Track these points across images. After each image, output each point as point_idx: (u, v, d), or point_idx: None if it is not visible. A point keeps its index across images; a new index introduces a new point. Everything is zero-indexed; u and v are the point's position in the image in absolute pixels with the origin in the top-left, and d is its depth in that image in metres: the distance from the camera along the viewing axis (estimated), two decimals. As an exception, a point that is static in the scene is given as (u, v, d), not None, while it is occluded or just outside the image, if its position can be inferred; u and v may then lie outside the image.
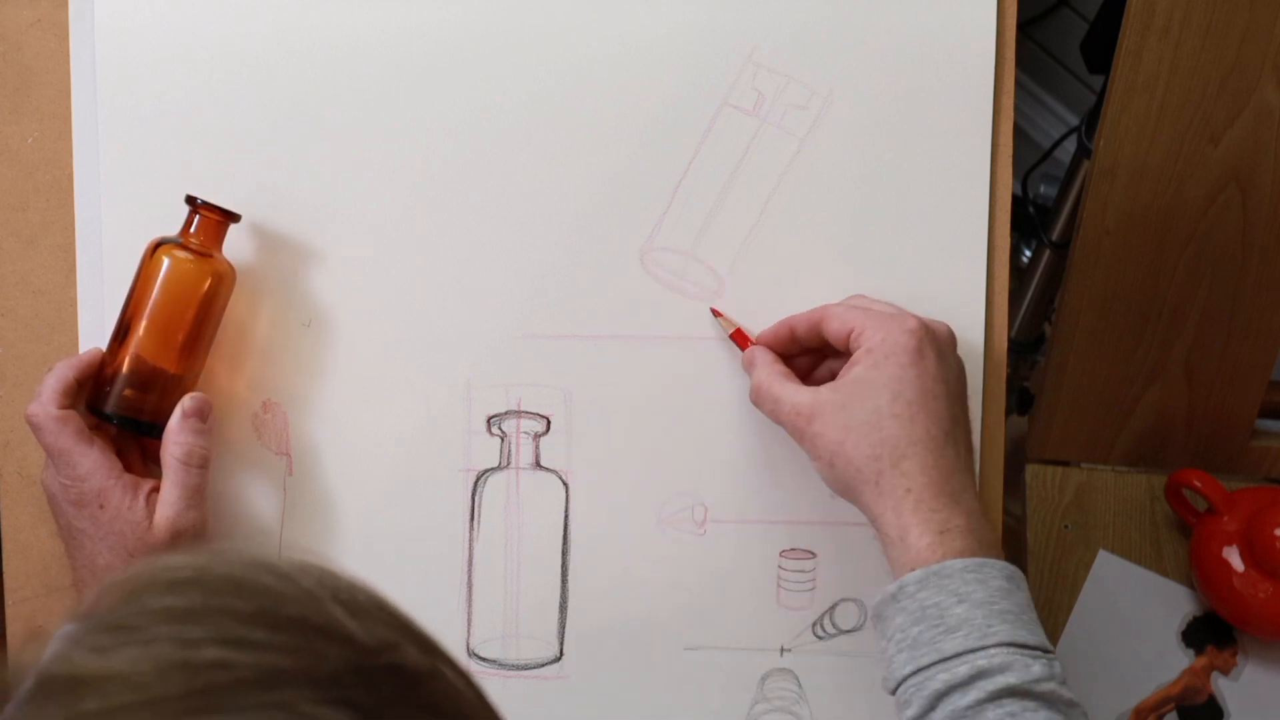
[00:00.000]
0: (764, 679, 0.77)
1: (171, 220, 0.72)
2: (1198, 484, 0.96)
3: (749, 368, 0.72)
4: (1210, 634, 0.98)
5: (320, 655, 0.36)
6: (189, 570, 0.38)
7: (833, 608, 0.77)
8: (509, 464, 0.76)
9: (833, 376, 0.69)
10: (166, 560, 0.39)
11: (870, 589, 0.77)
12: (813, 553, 0.77)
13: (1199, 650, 0.97)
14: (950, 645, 0.61)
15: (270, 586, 0.38)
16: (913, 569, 0.63)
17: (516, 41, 0.74)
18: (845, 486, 0.67)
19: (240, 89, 0.73)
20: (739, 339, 0.74)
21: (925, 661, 0.61)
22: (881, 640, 0.64)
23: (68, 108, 0.74)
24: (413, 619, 0.40)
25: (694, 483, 0.76)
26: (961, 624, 0.61)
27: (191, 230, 0.70)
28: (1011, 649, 0.60)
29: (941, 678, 0.60)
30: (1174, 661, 0.97)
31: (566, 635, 0.77)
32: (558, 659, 0.77)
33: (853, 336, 0.68)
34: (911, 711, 0.61)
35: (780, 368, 0.71)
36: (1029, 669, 0.60)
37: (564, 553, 0.76)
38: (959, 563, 0.62)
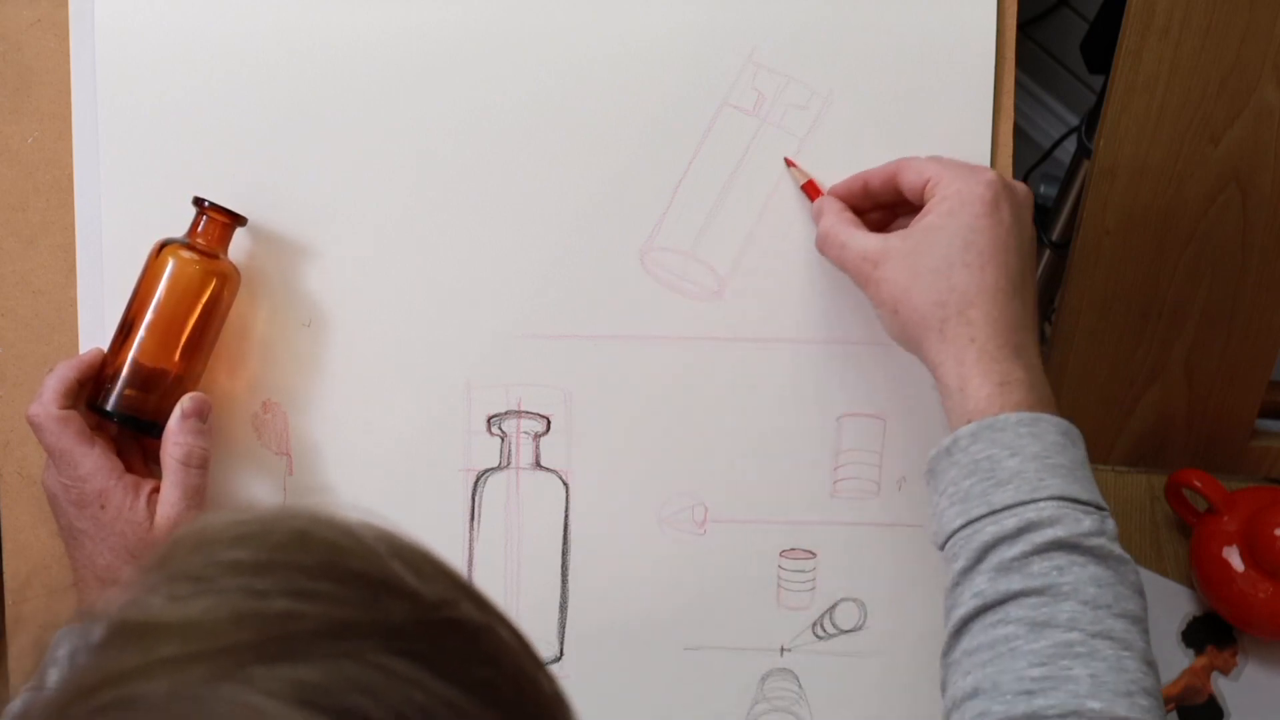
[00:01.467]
0: (764, 679, 0.77)
1: (172, 220, 0.72)
2: (1198, 484, 0.96)
3: (817, 217, 0.72)
4: (1210, 634, 0.98)
5: (385, 608, 0.37)
6: (255, 525, 0.39)
7: (833, 608, 0.77)
8: (509, 464, 0.76)
9: None
10: (231, 515, 0.40)
11: (870, 589, 0.77)
12: (813, 553, 0.77)
13: (1199, 650, 0.97)
14: (1000, 498, 0.60)
15: (334, 541, 0.39)
16: (969, 420, 0.63)
17: (516, 41, 0.74)
18: (907, 334, 0.66)
19: (240, 89, 0.73)
20: (810, 190, 0.73)
21: (975, 514, 0.61)
22: (933, 495, 0.64)
23: (68, 108, 0.74)
24: (465, 577, 0.41)
25: (694, 483, 0.76)
26: (1013, 477, 0.60)
27: (198, 231, 0.70)
28: (1062, 503, 0.60)
29: (990, 530, 0.60)
30: (1174, 661, 0.97)
31: (566, 635, 0.77)
32: (558, 659, 0.77)
33: (929, 186, 0.67)
34: (960, 564, 0.61)
35: (849, 215, 0.71)
36: (1079, 523, 0.59)
37: (564, 553, 0.76)
38: (1014, 416, 0.62)
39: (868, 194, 0.72)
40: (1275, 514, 0.92)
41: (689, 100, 0.74)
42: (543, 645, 0.77)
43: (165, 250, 0.70)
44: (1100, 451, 1.03)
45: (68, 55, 0.73)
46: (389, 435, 0.75)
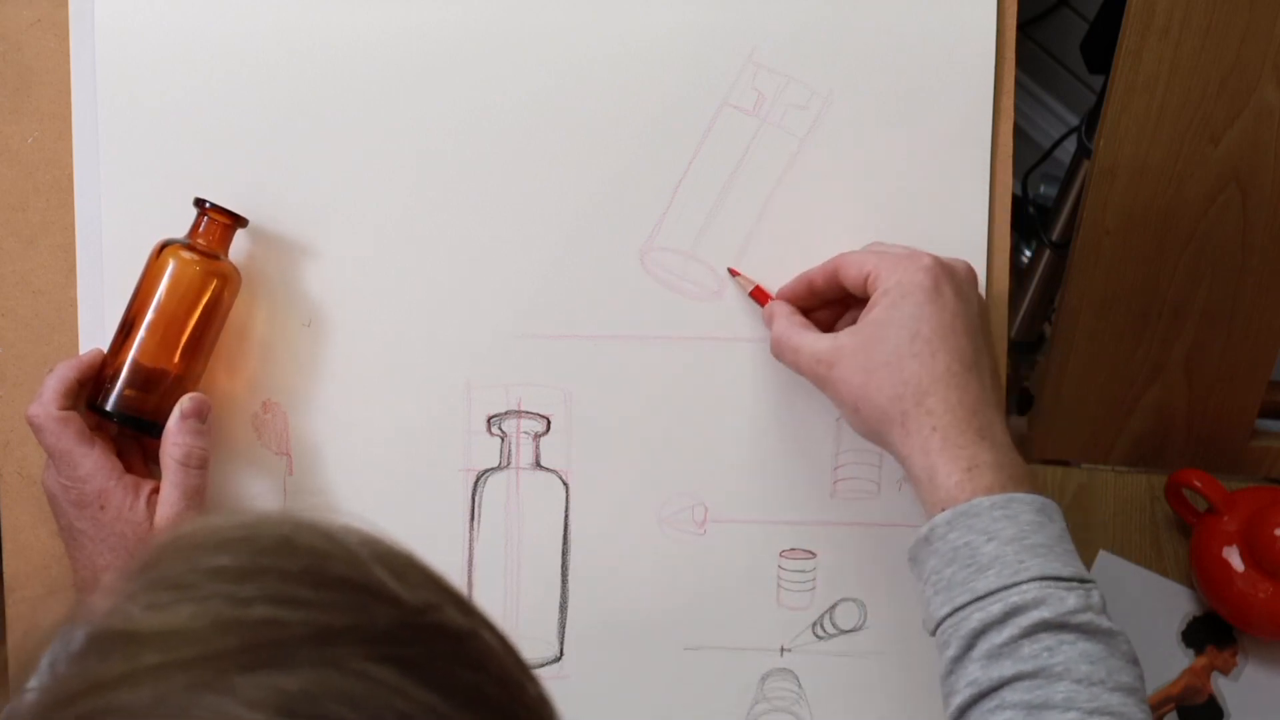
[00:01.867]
0: (764, 679, 0.77)
1: (172, 220, 0.72)
2: (1198, 484, 0.96)
3: (769, 322, 0.72)
4: (1210, 634, 0.98)
5: (368, 614, 0.37)
6: (238, 531, 0.39)
7: (833, 608, 0.77)
8: (509, 464, 0.76)
9: None
10: (215, 521, 0.40)
11: (870, 589, 0.77)
12: (813, 553, 0.77)
13: (1199, 650, 0.97)
14: (983, 584, 0.60)
15: (317, 547, 0.39)
16: (942, 508, 0.63)
17: (516, 41, 0.74)
18: (872, 430, 0.67)
19: (240, 89, 0.73)
20: (759, 296, 0.74)
21: (960, 601, 0.61)
22: (919, 584, 0.64)
23: (68, 108, 0.74)
24: (450, 582, 0.41)
25: (694, 483, 0.76)
26: (993, 562, 0.61)
27: (199, 232, 0.71)
28: (1044, 583, 0.60)
29: (976, 616, 0.60)
30: (1174, 661, 0.97)
31: (566, 635, 0.77)
32: (558, 659, 0.77)
33: (870, 280, 0.68)
34: (951, 651, 0.61)
35: (799, 318, 0.71)
36: (1064, 601, 0.60)
37: (564, 553, 0.76)
38: (986, 500, 0.62)
39: (814, 293, 0.72)
40: (1275, 514, 0.92)
41: (689, 100, 0.74)
42: (543, 645, 0.77)
43: (166, 251, 0.70)
44: (1100, 451, 1.03)
45: (68, 55, 0.73)
46: (389, 435, 0.75)
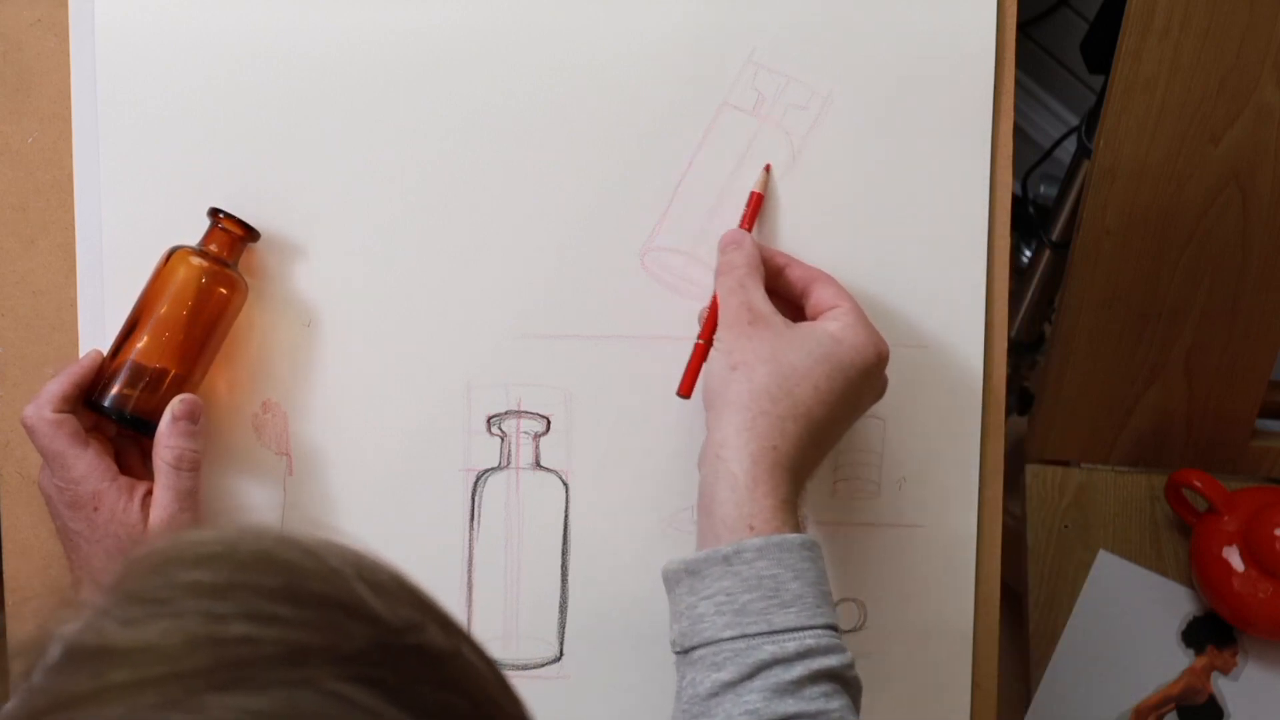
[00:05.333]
0: (764, 679, 0.77)
1: (172, 220, 0.72)
2: (1198, 484, 0.96)
3: (739, 243, 0.70)
4: (1210, 634, 0.98)
5: (345, 633, 0.37)
6: (217, 545, 0.39)
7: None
8: (509, 464, 0.76)
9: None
10: (195, 535, 0.40)
11: (870, 589, 0.77)
12: (813, 553, 0.77)
13: (1199, 650, 0.98)
14: (782, 620, 0.61)
15: (296, 563, 0.38)
16: (749, 526, 0.62)
17: (516, 41, 0.74)
18: (720, 397, 0.65)
19: (240, 89, 0.73)
20: (753, 202, 0.73)
21: (752, 630, 0.61)
22: (688, 597, 0.63)
23: (68, 108, 0.74)
24: (435, 600, 0.41)
25: (694, 483, 0.76)
26: (795, 600, 0.61)
27: (211, 240, 0.71)
28: (833, 633, 0.62)
29: (769, 649, 0.60)
30: (1174, 661, 0.97)
31: (566, 635, 0.77)
32: (558, 659, 0.77)
33: (833, 312, 0.68)
34: (724, 675, 0.61)
35: (761, 269, 0.70)
36: (844, 655, 0.62)
37: (564, 553, 0.76)
38: (797, 538, 0.63)
39: (777, 275, 0.71)
40: (1275, 514, 0.92)
41: (689, 100, 0.74)
42: (543, 645, 0.77)
43: (177, 255, 0.70)
44: (1100, 451, 1.03)
45: (68, 55, 0.73)
46: (389, 435, 0.75)
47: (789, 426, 0.64)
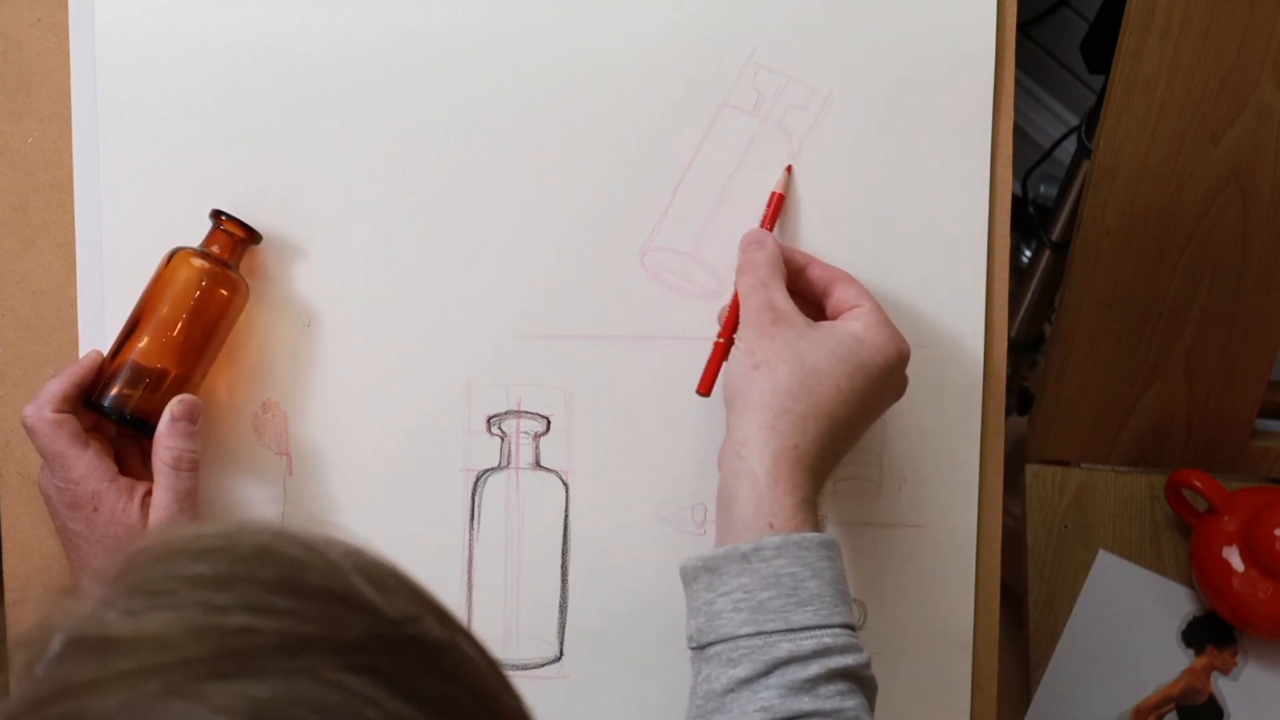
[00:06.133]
0: (764, 679, 0.77)
1: (172, 220, 0.72)
2: (1198, 484, 0.96)
3: (761, 243, 0.70)
4: (1210, 634, 0.98)
5: (344, 624, 0.37)
6: (218, 539, 0.39)
7: (833, 608, 0.77)
8: (509, 464, 0.76)
9: None
10: (196, 528, 0.40)
11: (870, 589, 0.77)
12: (813, 553, 0.77)
13: (1199, 650, 0.98)
14: (799, 618, 0.61)
15: (295, 557, 0.39)
16: (770, 525, 0.62)
17: (516, 41, 0.74)
18: (742, 395, 0.65)
19: (240, 89, 0.73)
20: (774, 203, 0.73)
21: (769, 628, 0.61)
22: (705, 593, 0.63)
23: (68, 108, 0.74)
24: (432, 593, 0.41)
25: (694, 483, 0.76)
26: (813, 599, 0.62)
27: (213, 242, 0.71)
28: (850, 632, 0.62)
29: (785, 647, 0.61)
30: (1174, 661, 0.97)
31: (566, 635, 0.77)
32: (558, 659, 0.77)
33: (854, 311, 0.68)
34: (740, 671, 0.61)
35: (783, 268, 0.70)
36: (860, 654, 0.62)
37: (564, 553, 0.76)
38: (816, 537, 0.63)
39: (798, 274, 0.71)
40: (1275, 514, 0.92)
41: (689, 100, 0.74)
42: (543, 645, 0.77)
43: (179, 256, 0.70)
44: (1100, 451, 1.03)
45: (68, 55, 0.73)
46: (389, 435, 0.75)
47: (810, 426, 0.64)
